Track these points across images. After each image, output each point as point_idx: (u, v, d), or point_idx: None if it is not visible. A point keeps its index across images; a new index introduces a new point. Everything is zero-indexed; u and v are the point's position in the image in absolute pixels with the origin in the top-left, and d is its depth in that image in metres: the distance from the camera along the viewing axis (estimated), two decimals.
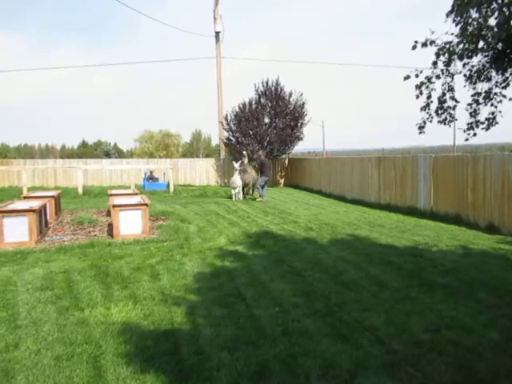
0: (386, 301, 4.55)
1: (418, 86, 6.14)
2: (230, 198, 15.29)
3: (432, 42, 5.85)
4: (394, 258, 6.29)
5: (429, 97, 6.24)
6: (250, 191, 16.50)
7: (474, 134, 6.22)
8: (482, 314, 4.17)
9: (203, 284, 5.18)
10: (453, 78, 6.19)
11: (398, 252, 6.68)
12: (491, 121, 6.26)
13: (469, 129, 6.32)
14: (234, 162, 15.92)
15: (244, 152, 16.99)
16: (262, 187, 14.94)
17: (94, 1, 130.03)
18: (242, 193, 15.43)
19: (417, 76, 6.09)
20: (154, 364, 3.23)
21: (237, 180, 15.07)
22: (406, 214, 11.11)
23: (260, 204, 13.63)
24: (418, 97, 6.24)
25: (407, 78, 6.02)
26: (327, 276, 5.47)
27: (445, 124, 6.34)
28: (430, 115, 6.33)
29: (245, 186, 15.69)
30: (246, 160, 15.83)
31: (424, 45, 5.86)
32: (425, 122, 6.39)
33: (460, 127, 6.39)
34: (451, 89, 6.24)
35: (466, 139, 6.37)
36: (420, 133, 6.40)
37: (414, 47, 5.90)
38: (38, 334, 3.80)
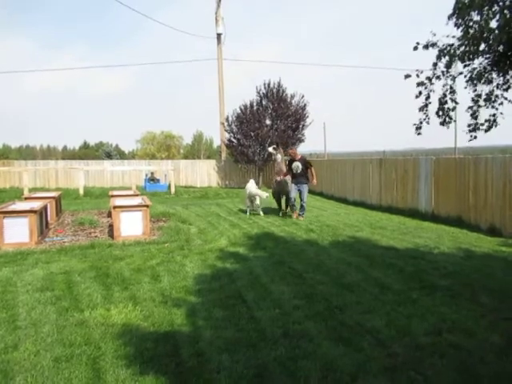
0: (387, 303, 4.52)
1: (419, 84, 6.14)
2: (231, 200, 15.03)
3: (433, 45, 5.85)
4: (395, 260, 6.27)
5: (427, 98, 6.25)
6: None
7: (475, 137, 6.22)
8: (484, 317, 4.15)
9: (204, 286, 5.17)
10: (454, 80, 6.19)
11: (399, 254, 6.66)
12: (491, 123, 6.25)
13: (470, 131, 6.33)
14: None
15: (272, 148, 12.16)
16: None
17: (92, 2, 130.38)
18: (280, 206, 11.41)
19: (417, 76, 6.11)
20: (153, 366, 3.22)
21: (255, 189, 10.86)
22: (408, 216, 11.09)
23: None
24: (417, 96, 6.26)
25: (408, 76, 6.04)
26: (328, 278, 5.45)
27: (444, 125, 6.35)
28: (427, 116, 6.35)
29: (283, 196, 11.32)
30: (279, 158, 11.61)
31: (425, 47, 5.87)
32: (421, 123, 6.41)
33: (462, 129, 6.40)
34: (452, 91, 6.24)
35: (470, 140, 6.37)
36: (417, 134, 6.41)
37: (416, 48, 5.91)
38: (37, 335, 3.79)
